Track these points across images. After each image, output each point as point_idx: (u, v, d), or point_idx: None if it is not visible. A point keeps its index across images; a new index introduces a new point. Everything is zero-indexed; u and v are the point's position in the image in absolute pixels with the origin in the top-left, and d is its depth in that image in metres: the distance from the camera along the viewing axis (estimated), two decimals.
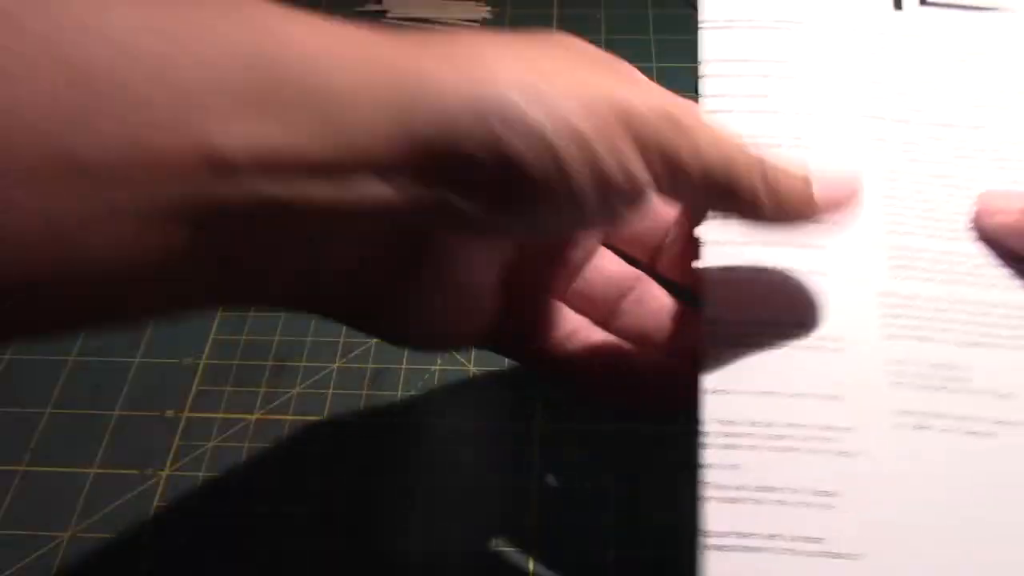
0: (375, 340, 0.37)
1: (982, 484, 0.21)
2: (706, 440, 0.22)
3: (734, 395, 0.22)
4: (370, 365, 0.39)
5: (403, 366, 0.39)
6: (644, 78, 0.22)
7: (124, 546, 0.34)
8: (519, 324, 0.26)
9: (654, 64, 0.53)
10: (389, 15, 0.57)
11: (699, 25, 0.30)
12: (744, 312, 0.24)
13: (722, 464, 0.22)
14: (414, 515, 0.35)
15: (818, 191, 0.22)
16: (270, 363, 0.40)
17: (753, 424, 0.22)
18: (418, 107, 0.18)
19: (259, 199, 0.17)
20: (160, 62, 0.16)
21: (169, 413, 0.38)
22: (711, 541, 0.21)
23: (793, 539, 0.20)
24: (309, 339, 0.40)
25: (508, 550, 0.34)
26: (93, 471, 0.36)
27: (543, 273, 0.27)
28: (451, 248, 0.22)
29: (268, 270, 0.20)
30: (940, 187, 0.25)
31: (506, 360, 0.39)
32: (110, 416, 0.38)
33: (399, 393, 0.38)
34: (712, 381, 0.23)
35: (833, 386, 0.22)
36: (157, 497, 0.35)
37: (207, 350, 0.40)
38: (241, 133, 0.16)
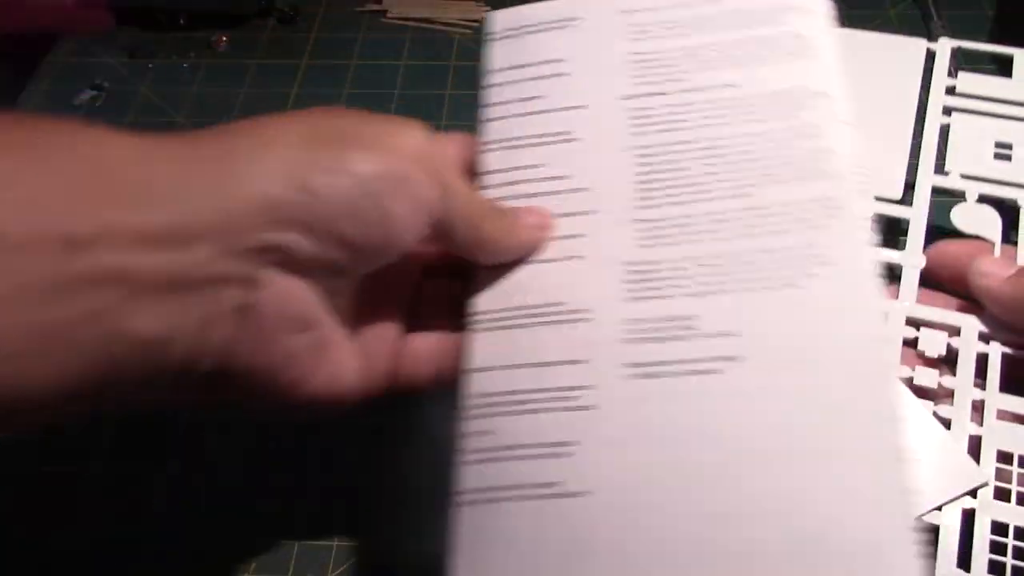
0: None
1: (709, 418, 0.24)
2: (467, 413, 0.26)
3: (491, 371, 0.26)
4: None
5: None
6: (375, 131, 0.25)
7: (126, 543, 0.34)
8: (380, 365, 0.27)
9: None
10: (389, 15, 0.57)
11: (486, 38, 0.32)
12: (504, 300, 0.27)
13: (477, 431, 0.25)
14: (414, 515, 0.35)
15: (523, 223, 0.27)
16: None
17: (505, 394, 0.25)
18: (237, 186, 0.21)
19: (106, 269, 0.20)
20: (9, 167, 0.19)
21: (171, 411, 0.38)
22: (462, 499, 0.24)
23: (530, 486, 0.24)
24: None
25: None
26: (94, 470, 0.36)
27: (387, 312, 0.28)
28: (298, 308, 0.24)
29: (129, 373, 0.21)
30: (689, 151, 0.28)
31: None
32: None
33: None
34: (475, 361, 0.26)
35: (576, 352, 0.25)
36: (157, 496, 0.35)
37: None
38: (86, 214, 0.20)
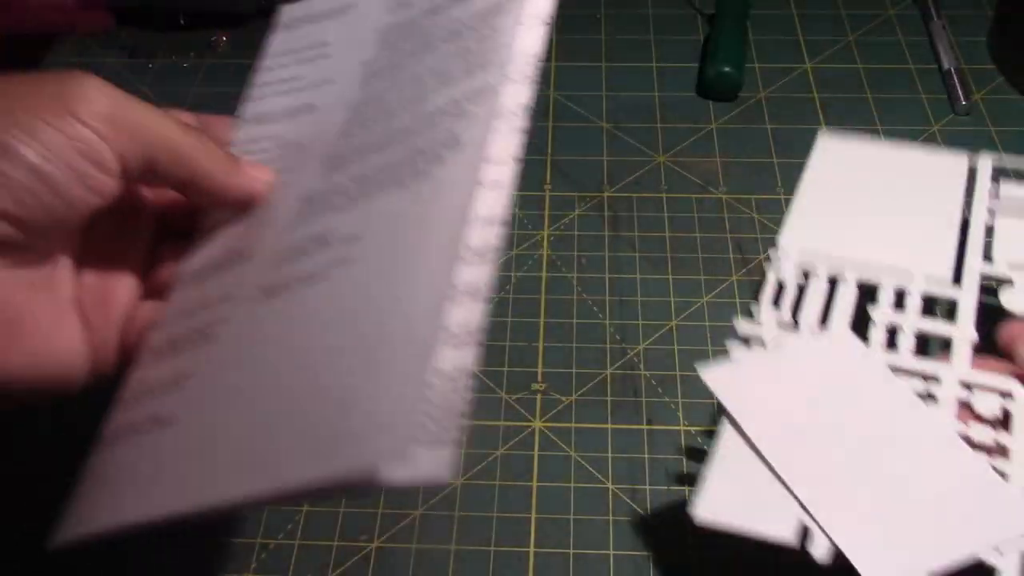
0: None
1: (299, 324, 0.23)
2: (134, 365, 0.26)
3: (165, 325, 0.26)
4: None
5: None
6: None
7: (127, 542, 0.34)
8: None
9: (654, 64, 0.53)
10: None
11: (272, 29, 0.34)
12: (202, 257, 0.27)
13: (131, 382, 0.26)
14: (414, 514, 0.35)
15: (247, 171, 0.27)
16: None
17: (165, 343, 0.26)
18: None
19: None
20: None
21: None
22: (98, 442, 0.25)
23: (141, 423, 0.24)
24: None
25: (509, 549, 0.34)
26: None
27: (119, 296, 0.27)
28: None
29: None
30: (395, 86, 0.28)
31: (507, 360, 0.39)
32: None
33: None
34: (163, 316, 0.27)
35: (225, 290, 0.26)
36: None
37: None
38: None
